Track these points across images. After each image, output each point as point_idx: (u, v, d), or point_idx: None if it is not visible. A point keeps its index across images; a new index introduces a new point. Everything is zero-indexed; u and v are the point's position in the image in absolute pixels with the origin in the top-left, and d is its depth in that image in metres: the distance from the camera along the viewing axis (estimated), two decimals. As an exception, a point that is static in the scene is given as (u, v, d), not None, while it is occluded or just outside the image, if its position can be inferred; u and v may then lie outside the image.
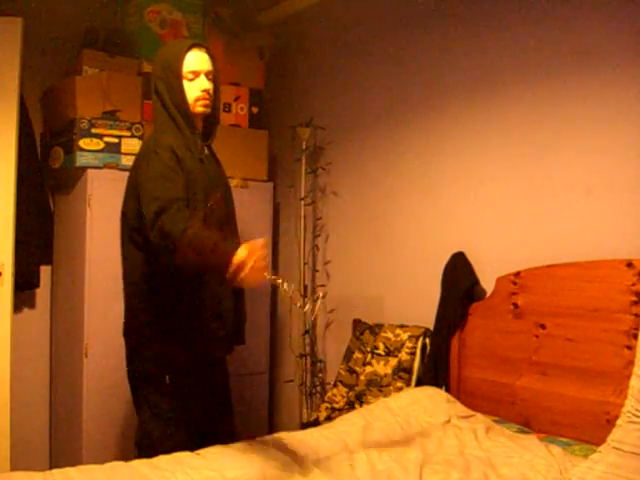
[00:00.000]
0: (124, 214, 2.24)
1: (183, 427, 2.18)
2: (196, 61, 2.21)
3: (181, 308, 2.18)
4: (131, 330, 2.25)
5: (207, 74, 2.23)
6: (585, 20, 2.31)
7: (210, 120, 2.33)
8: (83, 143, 2.93)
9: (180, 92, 2.21)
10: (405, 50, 3.04)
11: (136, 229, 2.15)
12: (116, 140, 3.00)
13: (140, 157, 2.20)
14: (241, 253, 1.74)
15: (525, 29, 2.51)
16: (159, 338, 2.18)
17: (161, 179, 2.05)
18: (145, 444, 2.17)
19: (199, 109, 2.24)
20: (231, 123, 3.38)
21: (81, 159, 2.93)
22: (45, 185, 3.21)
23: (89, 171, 2.97)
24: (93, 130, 2.95)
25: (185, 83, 2.21)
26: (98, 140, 2.96)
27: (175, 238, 1.86)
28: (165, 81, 2.21)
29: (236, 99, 3.40)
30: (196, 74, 2.21)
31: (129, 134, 3.04)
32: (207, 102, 2.24)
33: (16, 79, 2.77)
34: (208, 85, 2.22)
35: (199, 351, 2.23)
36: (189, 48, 2.22)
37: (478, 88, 2.69)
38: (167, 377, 2.17)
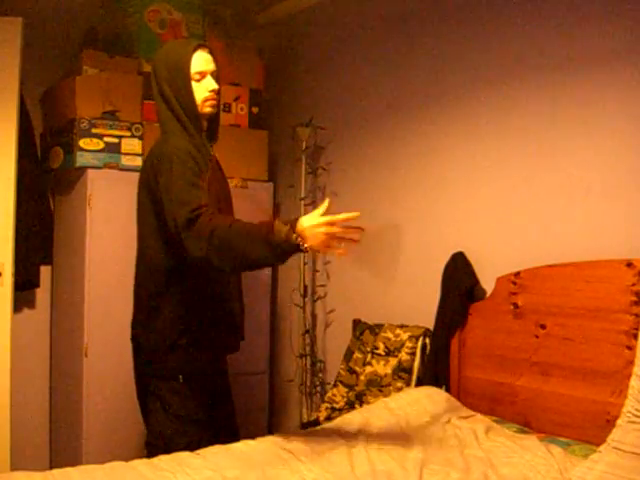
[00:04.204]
0: (140, 217, 2.24)
1: (195, 426, 2.19)
2: (202, 62, 2.22)
3: (200, 306, 2.21)
4: (144, 329, 2.24)
5: (213, 74, 2.24)
6: (585, 20, 2.31)
7: (213, 121, 2.33)
8: (83, 143, 2.93)
9: (189, 93, 2.20)
10: (405, 50, 3.04)
11: (156, 232, 2.16)
12: (116, 140, 3.00)
13: (158, 161, 2.14)
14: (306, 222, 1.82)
15: (525, 29, 2.51)
16: (175, 337, 2.19)
17: (188, 185, 2.01)
18: (159, 444, 2.17)
19: (207, 109, 2.24)
20: (231, 123, 3.38)
21: (81, 159, 2.93)
22: (45, 185, 3.21)
23: (89, 171, 2.97)
24: (93, 130, 2.95)
25: (193, 84, 2.21)
26: (98, 140, 2.96)
27: (221, 234, 1.85)
28: (171, 83, 2.20)
29: (236, 99, 3.40)
30: (202, 75, 2.22)
31: (129, 134, 3.04)
32: (215, 102, 2.25)
33: (16, 79, 2.78)
34: (215, 85, 2.23)
35: (213, 349, 2.27)
36: (195, 49, 2.22)
37: (478, 88, 2.69)
38: (180, 376, 2.18)
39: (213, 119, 2.32)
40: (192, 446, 2.04)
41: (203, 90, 2.22)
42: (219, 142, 2.41)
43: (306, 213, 3.41)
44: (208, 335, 2.23)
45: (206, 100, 2.23)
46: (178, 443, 2.11)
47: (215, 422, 2.31)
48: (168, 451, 2.01)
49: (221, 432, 2.30)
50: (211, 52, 2.27)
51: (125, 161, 3.02)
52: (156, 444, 2.18)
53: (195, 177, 2.04)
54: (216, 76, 2.26)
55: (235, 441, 2.08)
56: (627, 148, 2.19)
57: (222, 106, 3.36)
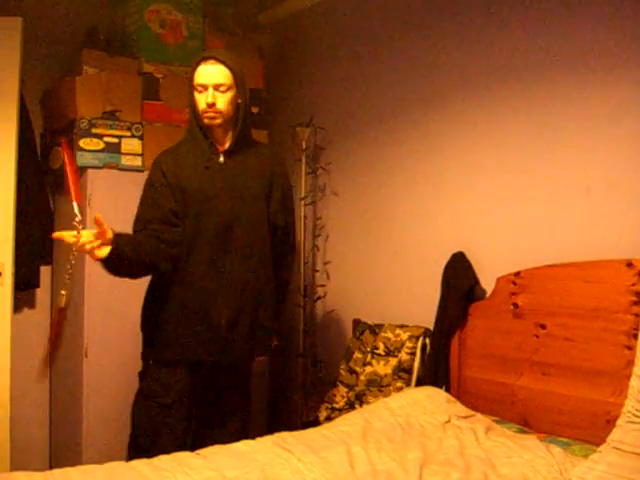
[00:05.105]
0: None
1: (163, 409, 2.31)
2: (203, 74, 2.29)
3: (170, 301, 2.33)
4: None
5: (217, 87, 2.28)
6: (585, 19, 2.31)
7: (241, 130, 2.39)
8: (83, 143, 2.93)
9: (193, 103, 2.33)
10: (405, 49, 3.04)
11: None
12: (116, 140, 3.01)
13: None
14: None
15: (525, 28, 2.51)
16: (145, 322, 2.40)
17: (142, 201, 2.34)
18: (132, 414, 2.40)
19: (205, 121, 2.33)
20: (231, 123, 3.38)
21: (81, 159, 2.93)
22: (45, 185, 3.21)
23: (89, 171, 2.97)
24: (93, 130, 2.95)
25: (196, 95, 2.31)
26: (98, 140, 2.96)
27: None
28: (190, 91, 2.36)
29: (236, 99, 3.40)
30: (204, 87, 2.29)
31: (129, 134, 3.04)
32: (211, 115, 2.31)
33: (16, 79, 2.78)
34: (211, 99, 2.28)
35: (177, 344, 2.34)
36: (200, 61, 2.30)
37: (478, 88, 2.69)
38: (150, 360, 2.38)
39: (239, 129, 2.38)
40: (155, 427, 2.27)
41: (202, 102, 2.30)
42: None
43: (306, 213, 3.45)
44: (170, 329, 2.33)
45: (203, 112, 2.31)
46: (139, 422, 2.33)
47: (200, 413, 2.42)
48: (134, 430, 2.34)
49: (212, 426, 2.43)
50: (227, 64, 2.29)
51: (125, 161, 3.02)
52: (132, 414, 2.40)
53: (152, 192, 2.33)
54: (225, 89, 2.29)
55: (234, 441, 2.09)
56: (628, 148, 2.19)
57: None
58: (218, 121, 2.32)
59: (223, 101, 2.30)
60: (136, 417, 2.37)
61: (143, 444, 2.30)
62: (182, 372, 2.33)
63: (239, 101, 2.35)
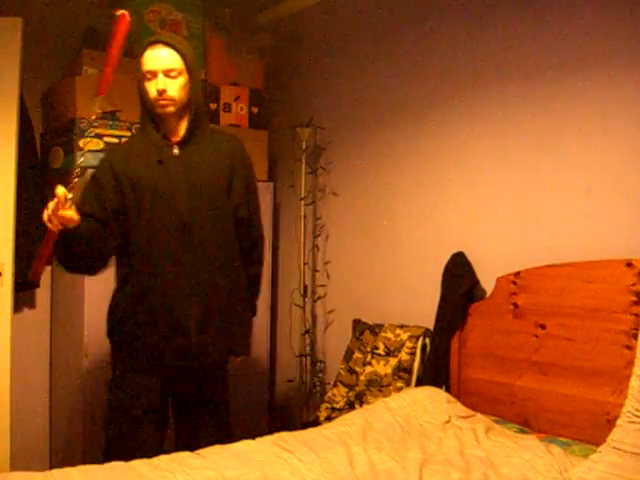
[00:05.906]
0: None
1: (129, 418, 2.20)
2: (151, 60, 2.15)
3: (132, 303, 2.23)
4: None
5: (167, 73, 2.14)
6: (585, 20, 2.31)
7: (194, 118, 2.24)
8: (83, 143, 2.93)
9: (144, 92, 2.20)
10: (405, 49, 3.04)
11: None
12: (116, 140, 3.01)
13: None
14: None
15: (525, 29, 2.51)
16: (110, 330, 2.30)
17: (83, 194, 2.19)
18: (103, 426, 2.30)
19: (158, 110, 2.19)
20: (231, 123, 3.38)
21: (81, 159, 2.93)
22: (45, 185, 3.21)
23: (89, 171, 2.96)
24: (93, 130, 2.95)
25: (146, 83, 2.17)
26: (98, 140, 2.96)
27: None
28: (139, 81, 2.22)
29: (236, 99, 3.40)
30: (153, 74, 2.15)
31: (129, 134, 3.03)
32: (162, 103, 2.16)
33: (16, 79, 2.78)
34: (161, 85, 2.13)
35: (142, 348, 2.22)
36: (146, 47, 2.17)
37: (478, 89, 2.69)
38: (117, 370, 2.27)
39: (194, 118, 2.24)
40: (127, 440, 2.16)
41: (152, 90, 2.16)
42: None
43: (306, 213, 3.45)
44: (138, 335, 2.21)
45: (154, 100, 2.17)
46: (110, 435, 2.22)
47: (178, 418, 2.35)
48: (106, 442, 2.22)
49: (183, 434, 2.35)
50: (175, 47, 2.16)
51: (125, 161, 3.02)
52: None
53: (97, 189, 2.19)
54: (176, 74, 2.15)
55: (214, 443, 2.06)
56: (627, 148, 2.19)
57: (222, 106, 3.36)
58: (171, 109, 2.17)
59: (175, 87, 2.15)
60: (107, 430, 2.24)
61: (116, 456, 2.11)
62: (153, 380, 2.22)
63: (191, 87, 2.21)
